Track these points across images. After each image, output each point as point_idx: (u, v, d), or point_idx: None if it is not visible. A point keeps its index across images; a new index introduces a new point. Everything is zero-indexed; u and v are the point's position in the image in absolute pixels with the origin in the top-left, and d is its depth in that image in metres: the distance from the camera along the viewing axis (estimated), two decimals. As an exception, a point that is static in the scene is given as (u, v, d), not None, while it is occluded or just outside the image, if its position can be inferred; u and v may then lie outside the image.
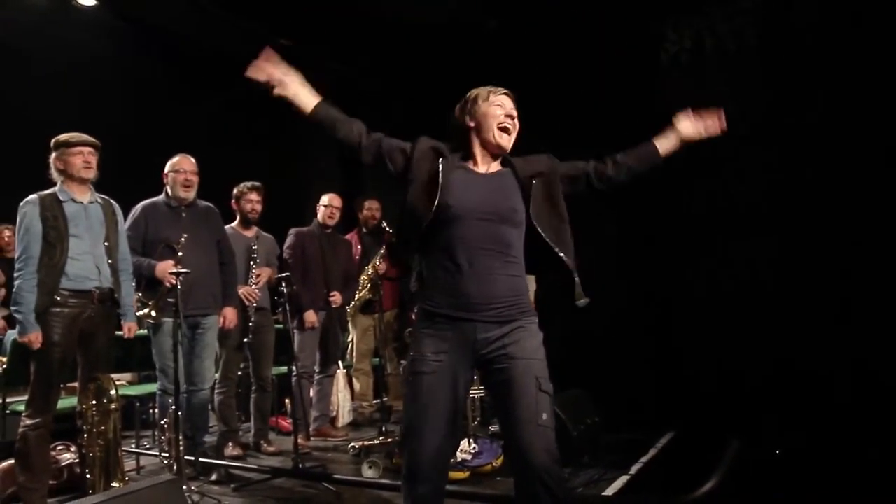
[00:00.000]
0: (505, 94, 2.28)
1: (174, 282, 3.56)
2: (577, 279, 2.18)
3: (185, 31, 6.62)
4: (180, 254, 3.70)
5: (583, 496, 3.28)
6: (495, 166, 2.26)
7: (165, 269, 3.70)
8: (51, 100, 5.79)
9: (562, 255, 2.15)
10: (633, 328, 4.95)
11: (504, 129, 2.22)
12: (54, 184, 3.40)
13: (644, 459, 3.92)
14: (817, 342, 4.19)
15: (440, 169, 2.14)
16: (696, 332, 4.73)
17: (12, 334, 5.09)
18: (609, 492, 3.36)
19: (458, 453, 3.76)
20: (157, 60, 6.77)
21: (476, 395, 4.46)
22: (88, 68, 6.37)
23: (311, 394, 4.95)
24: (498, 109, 2.23)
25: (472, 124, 2.24)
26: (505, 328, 2.07)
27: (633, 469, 3.73)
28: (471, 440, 3.83)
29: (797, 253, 4.39)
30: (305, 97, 2.19)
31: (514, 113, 2.26)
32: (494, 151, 2.25)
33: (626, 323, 4.92)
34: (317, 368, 4.91)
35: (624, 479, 3.56)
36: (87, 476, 3.24)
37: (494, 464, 3.71)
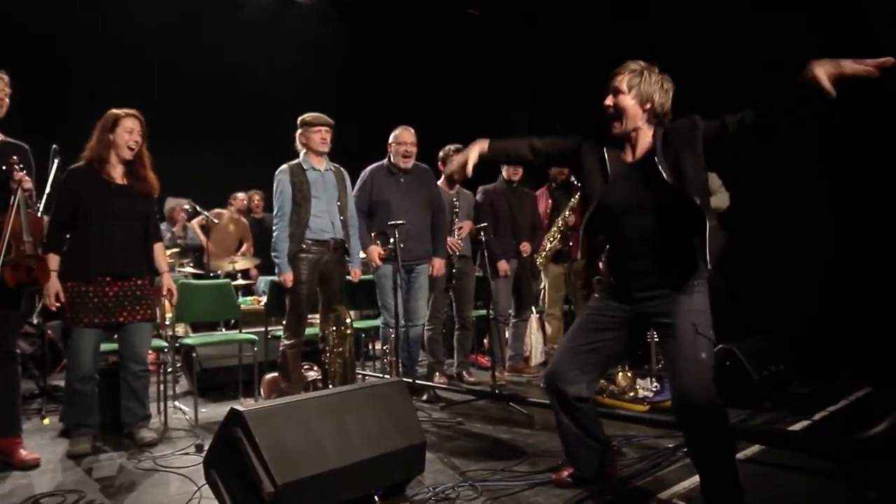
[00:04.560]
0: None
1: (379, 263, 4.40)
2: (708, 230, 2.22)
3: (385, 9, 7.37)
4: (397, 244, 4.15)
5: (749, 428, 3.38)
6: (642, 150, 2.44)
7: (374, 253, 4.42)
8: (285, 84, 6.84)
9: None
10: (844, 278, 4.76)
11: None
12: (297, 154, 4.21)
13: (831, 409, 3.84)
14: None
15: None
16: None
17: (262, 279, 6.28)
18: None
19: (641, 390, 4.09)
20: (365, 41, 7.64)
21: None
22: (312, 54, 7.41)
23: (507, 335, 5.48)
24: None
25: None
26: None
27: (817, 416, 3.68)
28: (653, 379, 4.13)
29: None
30: (480, 148, 2.62)
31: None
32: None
33: (836, 272, 4.77)
34: (512, 312, 5.42)
35: (804, 423, 3.55)
36: (330, 387, 4.04)
37: (674, 401, 3.98)
